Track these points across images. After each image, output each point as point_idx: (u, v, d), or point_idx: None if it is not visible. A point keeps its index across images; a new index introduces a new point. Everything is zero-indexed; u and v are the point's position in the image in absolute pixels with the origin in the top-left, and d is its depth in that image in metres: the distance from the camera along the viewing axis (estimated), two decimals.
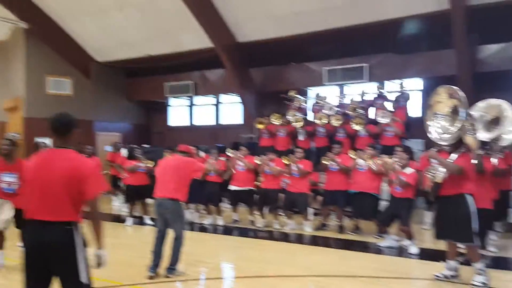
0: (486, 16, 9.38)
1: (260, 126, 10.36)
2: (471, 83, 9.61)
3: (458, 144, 4.82)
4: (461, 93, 4.79)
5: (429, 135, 4.95)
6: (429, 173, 4.84)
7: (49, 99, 13.87)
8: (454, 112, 4.80)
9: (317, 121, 9.76)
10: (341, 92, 12.22)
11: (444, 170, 4.76)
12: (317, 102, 11.27)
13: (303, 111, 11.03)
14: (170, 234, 5.20)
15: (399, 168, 6.52)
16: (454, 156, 4.80)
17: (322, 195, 8.24)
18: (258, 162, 8.25)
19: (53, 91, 14.08)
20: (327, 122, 9.72)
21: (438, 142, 4.95)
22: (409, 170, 6.48)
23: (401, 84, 10.45)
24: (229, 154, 8.70)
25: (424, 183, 7.79)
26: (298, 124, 9.87)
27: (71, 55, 14.32)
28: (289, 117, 10.24)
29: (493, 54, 9.80)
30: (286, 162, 8.02)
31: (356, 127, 9.35)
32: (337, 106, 10.87)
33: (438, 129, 4.92)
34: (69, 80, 14.37)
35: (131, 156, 9.05)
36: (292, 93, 11.14)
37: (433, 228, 5.10)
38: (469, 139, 4.94)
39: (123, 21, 12.68)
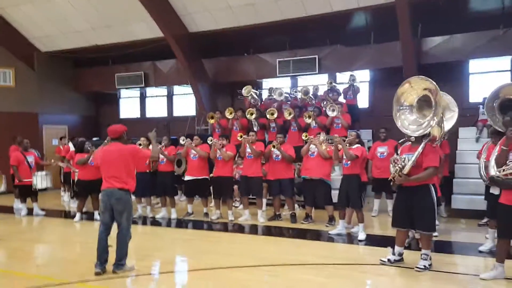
0: (430, 8, 9.72)
1: (211, 121, 10.27)
2: (416, 74, 9.93)
3: (424, 135, 4.89)
4: (434, 84, 4.80)
5: (398, 126, 4.96)
6: (397, 164, 4.88)
7: None
8: (425, 103, 4.83)
9: (269, 117, 9.82)
10: (294, 83, 12.32)
11: (411, 162, 4.82)
12: (270, 95, 11.31)
13: (256, 103, 11.04)
14: (115, 228, 5.05)
15: (347, 144, 6.73)
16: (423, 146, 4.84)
17: (268, 184, 8.33)
18: (209, 142, 8.20)
19: None
20: (275, 116, 9.80)
21: (407, 133, 4.97)
22: (355, 146, 6.71)
23: (351, 77, 10.65)
24: (181, 142, 8.58)
25: (373, 171, 8.10)
26: (252, 116, 9.87)
27: (13, 45, 13.55)
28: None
29: (436, 46, 10.19)
30: (239, 138, 8.04)
31: (308, 120, 9.49)
32: (289, 99, 10.98)
33: (405, 122, 4.94)
34: (10, 71, 13.61)
35: (80, 149, 8.72)
36: (247, 90, 11.10)
37: (392, 216, 5.24)
38: (435, 130, 5.03)
39: (69, 8, 12.10)
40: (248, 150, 7.90)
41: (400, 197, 5.11)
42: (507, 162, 4.54)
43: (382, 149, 8.14)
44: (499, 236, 4.74)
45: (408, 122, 4.93)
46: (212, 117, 10.20)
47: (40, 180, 9.10)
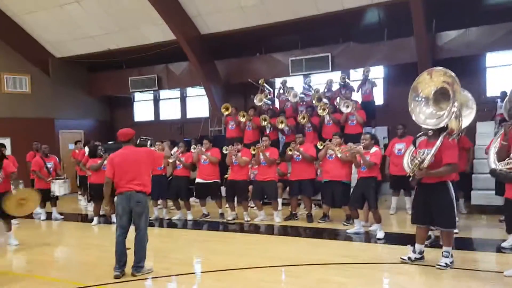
0: (444, 2, 9.58)
1: (226, 112, 10.30)
2: None
3: (441, 129, 4.79)
4: (455, 76, 4.67)
5: (414, 119, 4.87)
6: (416, 158, 4.81)
7: (5, 98, 13.34)
8: (442, 95, 4.73)
9: (279, 126, 9.80)
10: (307, 82, 12.28)
11: (430, 156, 4.73)
12: (282, 92, 11.28)
13: (269, 107, 11.07)
14: (133, 230, 5.06)
15: (363, 149, 6.65)
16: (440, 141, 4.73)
17: (289, 185, 8.27)
18: (225, 151, 8.23)
19: (10, 89, 13.53)
20: (284, 125, 9.80)
21: (423, 126, 4.89)
22: (373, 150, 6.62)
23: (366, 70, 10.53)
24: (192, 150, 8.64)
25: (391, 168, 8.01)
26: (265, 122, 9.94)
27: (28, 51, 13.77)
28: (257, 102, 10.41)
29: (451, 41, 10.04)
30: (253, 152, 8.03)
31: (322, 113, 9.44)
32: (303, 96, 10.94)
33: (421, 115, 4.83)
34: (26, 77, 13.82)
35: (93, 154, 8.79)
36: (262, 81, 11.12)
37: (412, 212, 5.15)
38: (453, 123, 4.94)
39: (82, 14, 12.24)
40: (262, 157, 7.91)
41: (419, 194, 5.03)
42: (511, 155, 4.42)
43: (400, 146, 8.04)
44: (508, 232, 4.66)
45: (425, 116, 4.81)
46: (227, 108, 10.22)
47: (57, 188, 9.16)
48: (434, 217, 4.89)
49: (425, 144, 4.92)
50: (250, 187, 8.61)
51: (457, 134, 5.45)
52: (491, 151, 4.80)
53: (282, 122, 9.75)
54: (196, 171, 8.97)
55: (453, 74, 4.64)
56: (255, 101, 10.30)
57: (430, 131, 4.84)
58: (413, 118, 4.86)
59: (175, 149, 9.15)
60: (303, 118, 9.59)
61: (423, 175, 4.76)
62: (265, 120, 9.88)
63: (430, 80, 4.78)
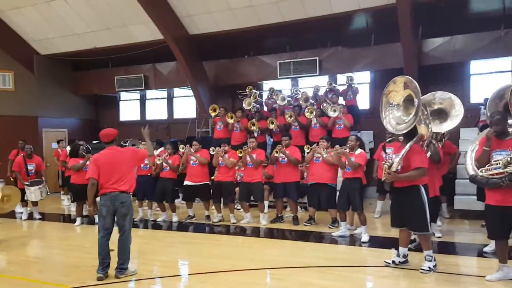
0: (431, 10, 9.72)
1: (214, 114, 10.29)
2: (416, 76, 9.94)
3: (411, 134, 4.89)
4: (415, 83, 4.85)
5: (385, 125, 4.98)
6: (386, 162, 4.90)
7: None
8: (409, 102, 4.85)
9: (269, 127, 9.84)
10: (295, 85, 12.32)
11: (398, 160, 4.82)
12: (271, 97, 11.32)
13: (257, 110, 11.08)
14: (117, 231, 5.01)
15: (348, 150, 6.73)
16: (409, 145, 4.84)
17: (274, 188, 8.29)
18: (212, 153, 8.21)
19: None
20: (275, 126, 9.83)
21: (393, 132, 5.00)
22: (358, 151, 6.71)
23: (349, 78, 10.68)
24: (181, 150, 8.58)
25: (378, 172, 8.07)
26: (253, 127, 9.94)
27: (13, 47, 13.52)
28: (246, 106, 10.41)
29: (437, 47, 10.18)
30: (240, 154, 8.03)
31: (309, 115, 9.50)
32: (292, 102, 10.99)
33: (392, 120, 4.96)
34: (10, 74, 13.58)
35: (74, 154, 8.68)
36: (250, 88, 11.10)
37: (390, 216, 5.21)
38: (422, 129, 5.03)
39: (69, 11, 12.09)
40: (249, 159, 7.93)
41: (393, 198, 5.16)
42: (492, 162, 4.50)
43: (389, 150, 8.10)
44: (489, 237, 4.74)
45: (395, 120, 4.93)
46: (215, 110, 10.20)
47: (29, 194, 8.89)
48: (407, 221, 4.97)
49: (397, 149, 5.01)
50: (237, 189, 8.61)
51: (433, 139, 5.56)
52: (467, 156, 4.89)
53: (272, 123, 9.79)
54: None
55: (414, 82, 4.79)
56: (244, 105, 10.28)
57: (401, 136, 4.93)
58: (383, 122, 4.97)
59: (160, 149, 9.10)
60: (290, 116, 9.64)
61: (392, 178, 4.86)
62: (253, 125, 9.89)
63: (397, 88, 4.92)
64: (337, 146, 7.06)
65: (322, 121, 9.62)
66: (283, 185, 7.92)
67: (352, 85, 10.65)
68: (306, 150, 7.79)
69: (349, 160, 6.65)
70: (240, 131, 10.15)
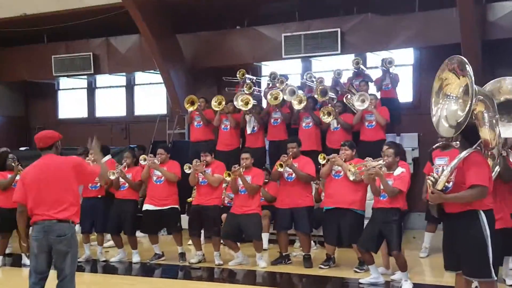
0: None
1: (191, 108, 10.22)
2: (479, 54, 9.95)
3: (471, 138, 4.79)
4: (469, 67, 4.76)
5: (434, 124, 4.90)
6: (430, 178, 4.82)
7: None
8: (467, 93, 4.75)
9: (270, 102, 9.82)
10: (307, 68, 12.31)
11: (446, 173, 4.75)
12: (272, 85, 11.25)
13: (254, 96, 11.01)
14: (52, 276, 4.97)
15: (385, 170, 6.64)
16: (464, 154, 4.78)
17: (277, 215, 8.26)
18: (187, 170, 8.10)
19: None
20: (281, 102, 9.80)
21: (443, 135, 4.95)
22: (398, 171, 6.64)
23: (386, 60, 10.61)
24: (142, 162, 8.54)
25: (427, 193, 8.02)
26: (246, 107, 9.81)
27: None
28: (237, 102, 10.22)
29: (508, 15, 10.21)
30: (227, 178, 7.88)
31: (327, 119, 9.44)
32: (302, 87, 10.97)
33: (445, 116, 4.85)
34: None
35: (0, 166, 8.63)
36: (241, 73, 11.07)
37: (443, 255, 5.16)
38: (486, 132, 4.91)
39: None
40: (241, 183, 7.87)
41: (445, 228, 5.04)
42: None
43: (440, 161, 8.03)
44: None
45: (450, 115, 4.83)
46: (192, 103, 10.13)
47: None
48: (461, 261, 4.89)
49: (453, 159, 4.94)
50: (224, 216, 8.57)
51: (502, 149, 5.46)
52: None
53: (276, 98, 9.76)
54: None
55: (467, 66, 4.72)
56: (235, 102, 10.22)
57: (457, 141, 4.89)
58: (432, 114, 4.90)
59: (106, 158, 9.03)
60: (300, 101, 9.60)
61: (437, 200, 4.75)
62: (246, 104, 9.80)
63: (454, 76, 4.86)
64: (368, 159, 6.97)
65: (344, 121, 9.58)
66: (290, 211, 7.84)
67: (390, 70, 10.64)
68: (321, 161, 7.72)
69: (385, 185, 6.54)
70: (230, 129, 10.10)
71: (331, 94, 10.19)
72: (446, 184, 4.74)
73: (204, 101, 10.32)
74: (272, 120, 10.07)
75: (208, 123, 10.23)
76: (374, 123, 9.47)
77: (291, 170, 7.78)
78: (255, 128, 10.00)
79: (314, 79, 11.08)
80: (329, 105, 9.71)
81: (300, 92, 10.22)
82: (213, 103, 9.91)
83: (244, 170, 7.84)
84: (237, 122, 10.04)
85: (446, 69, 4.93)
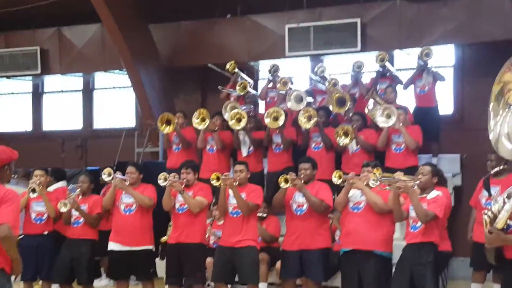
0: None
1: (167, 130, 10.13)
2: None
3: None
4: None
5: (492, 143, 4.89)
6: (486, 213, 4.80)
7: None
8: None
9: (269, 123, 9.71)
10: (319, 71, 12.28)
11: (509, 208, 4.73)
12: (273, 84, 11.24)
13: (250, 103, 10.99)
14: None
15: (418, 189, 6.61)
16: None
17: (281, 258, 8.19)
18: (162, 183, 7.99)
19: None
20: (284, 123, 9.72)
21: (505, 157, 4.92)
22: (432, 194, 6.58)
23: (425, 52, 10.53)
24: (105, 179, 8.40)
25: (475, 230, 7.93)
26: (238, 125, 9.76)
27: None
28: (227, 113, 10.12)
29: None
30: (216, 183, 7.79)
31: (343, 141, 9.38)
32: (309, 90, 10.96)
33: (505, 134, 4.83)
34: None
35: None
36: (232, 66, 11.04)
37: None
38: None
39: None
40: (233, 201, 7.78)
41: (505, 279, 5.11)
42: None
43: (492, 191, 8.01)
44: None
45: None
46: (168, 122, 10.02)
47: None
48: None
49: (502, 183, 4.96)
50: (209, 260, 8.53)
51: None
52: None
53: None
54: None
55: None
56: (225, 114, 10.10)
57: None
58: (492, 140, 4.90)
59: (57, 185, 8.96)
60: (309, 118, 9.50)
61: (496, 242, 4.81)
62: (234, 111, 9.77)
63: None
64: (399, 173, 6.95)
65: (366, 140, 9.52)
66: (298, 254, 7.75)
67: (429, 68, 10.54)
68: (336, 181, 7.64)
69: (417, 205, 6.47)
70: (217, 151, 10.05)
71: (348, 106, 10.09)
72: (509, 221, 4.71)
73: (182, 116, 10.26)
74: (274, 146, 9.98)
75: (188, 146, 10.14)
76: (402, 146, 9.42)
77: (301, 201, 7.69)
78: (251, 149, 9.98)
79: (324, 70, 11.06)
80: (345, 118, 9.70)
81: (308, 98, 10.20)
82: (195, 120, 9.82)
83: (237, 183, 7.70)
84: (226, 142, 9.95)
85: (508, 70, 4.93)
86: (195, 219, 7.94)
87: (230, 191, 7.74)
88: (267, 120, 9.70)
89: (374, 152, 9.57)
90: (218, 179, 7.72)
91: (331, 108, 10.02)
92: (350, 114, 9.92)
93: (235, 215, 7.81)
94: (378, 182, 6.91)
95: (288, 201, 7.81)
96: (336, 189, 7.94)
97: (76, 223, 8.36)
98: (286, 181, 7.56)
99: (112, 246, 8.23)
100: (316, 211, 7.67)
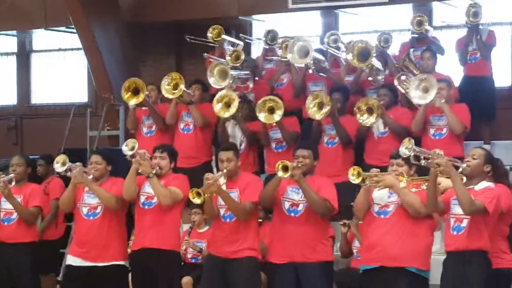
0: None
1: (133, 103, 10.09)
2: None
3: None
4: None
5: None
6: None
7: None
8: None
9: (266, 117, 9.74)
10: (330, 26, 12.34)
11: None
12: (272, 52, 11.33)
13: (248, 68, 11.00)
14: None
15: (464, 179, 6.62)
16: None
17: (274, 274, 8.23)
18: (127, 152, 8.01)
19: None
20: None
21: None
22: (482, 185, 6.58)
23: (471, 9, 10.62)
24: (58, 170, 8.40)
25: None
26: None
27: None
28: (212, 77, 10.24)
29: None
30: (196, 200, 7.78)
31: (367, 120, 9.42)
32: (319, 67, 10.97)
33: None
34: None
35: None
36: (216, 33, 11.07)
37: None
38: None
39: None
40: (222, 202, 7.87)
41: None
42: None
43: None
44: None
45: None
46: (136, 91, 9.95)
47: None
48: None
49: None
50: (187, 279, 8.61)
51: None
52: None
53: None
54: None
55: None
56: (210, 78, 10.18)
57: None
58: None
59: None
60: (320, 105, 9.53)
61: None
62: (228, 106, 9.81)
63: None
64: (438, 150, 6.94)
65: (396, 121, 9.56)
66: (292, 268, 7.89)
67: (480, 26, 10.61)
68: (353, 180, 7.62)
69: (461, 192, 6.49)
70: (195, 131, 10.13)
71: (377, 64, 10.15)
72: None
73: (155, 90, 10.39)
74: (273, 145, 10.12)
75: (165, 128, 10.27)
76: (444, 131, 9.46)
77: (296, 199, 7.68)
78: (243, 146, 10.07)
79: (338, 37, 11.10)
80: (369, 89, 9.76)
81: (317, 55, 10.29)
82: (164, 85, 9.86)
83: (226, 178, 7.86)
84: (208, 119, 9.96)
85: None
86: (165, 218, 7.93)
87: (219, 193, 7.64)
88: (217, 107, 9.72)
89: (407, 134, 9.58)
90: (198, 195, 7.44)
91: (350, 58, 10.11)
92: (382, 78, 10.10)
93: (228, 220, 7.81)
94: (412, 152, 6.73)
95: (278, 198, 7.79)
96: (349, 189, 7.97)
97: (7, 221, 8.45)
98: (285, 169, 7.40)
99: (71, 260, 8.21)
100: (316, 213, 7.71)
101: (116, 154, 10.94)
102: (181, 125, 10.18)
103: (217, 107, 9.62)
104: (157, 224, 7.93)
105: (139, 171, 7.78)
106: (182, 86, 9.82)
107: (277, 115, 9.47)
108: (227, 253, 7.69)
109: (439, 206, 6.71)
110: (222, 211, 7.76)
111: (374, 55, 10.02)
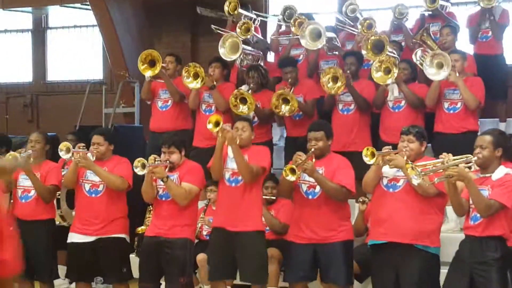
0: None
1: (150, 72, 10.02)
2: None
3: None
4: None
5: None
6: None
7: None
8: None
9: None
10: (349, 9, 12.33)
11: None
12: (285, 29, 11.39)
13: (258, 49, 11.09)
14: None
15: (476, 169, 6.65)
16: None
17: (290, 253, 8.20)
18: (139, 171, 8.02)
19: None
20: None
21: None
22: (499, 172, 6.67)
23: None
24: (64, 156, 8.43)
25: None
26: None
27: None
28: (222, 48, 10.20)
29: None
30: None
31: (381, 78, 9.27)
32: (332, 45, 10.98)
33: None
34: None
35: None
36: (232, 5, 11.09)
37: None
38: None
39: None
40: (232, 165, 7.78)
41: None
42: None
43: None
44: None
45: None
46: (152, 63, 9.84)
47: None
48: None
49: None
50: (201, 256, 8.72)
51: None
52: None
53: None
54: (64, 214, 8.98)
55: None
56: (221, 50, 10.15)
57: None
58: None
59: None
60: (335, 79, 9.47)
61: None
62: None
63: None
64: (446, 155, 6.92)
65: (410, 92, 9.49)
66: (312, 249, 7.80)
67: (497, 4, 10.52)
68: (368, 161, 7.58)
69: (475, 194, 6.47)
70: (217, 112, 10.03)
71: (389, 51, 10.08)
72: None
73: (174, 60, 10.36)
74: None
75: (181, 99, 10.22)
76: (459, 105, 9.34)
77: (312, 180, 7.77)
78: (255, 119, 9.95)
79: (356, 8, 11.08)
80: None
81: (329, 33, 10.28)
82: (184, 74, 9.86)
83: (237, 137, 7.56)
84: (226, 96, 9.88)
85: None
86: (183, 209, 7.90)
87: (229, 150, 7.69)
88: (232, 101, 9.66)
89: (423, 113, 9.57)
90: (217, 124, 7.47)
91: (364, 53, 9.98)
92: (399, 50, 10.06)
93: (233, 184, 7.85)
94: (421, 179, 6.70)
95: (295, 183, 7.75)
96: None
97: (25, 198, 8.49)
98: (293, 171, 7.41)
99: (74, 237, 8.29)
100: (332, 198, 7.66)
101: (130, 131, 11.04)
102: (203, 106, 10.15)
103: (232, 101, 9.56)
104: (174, 216, 8.00)
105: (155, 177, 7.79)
106: (205, 78, 9.81)
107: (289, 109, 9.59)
108: (234, 227, 7.80)
109: (465, 207, 6.74)
110: (227, 175, 7.90)
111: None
